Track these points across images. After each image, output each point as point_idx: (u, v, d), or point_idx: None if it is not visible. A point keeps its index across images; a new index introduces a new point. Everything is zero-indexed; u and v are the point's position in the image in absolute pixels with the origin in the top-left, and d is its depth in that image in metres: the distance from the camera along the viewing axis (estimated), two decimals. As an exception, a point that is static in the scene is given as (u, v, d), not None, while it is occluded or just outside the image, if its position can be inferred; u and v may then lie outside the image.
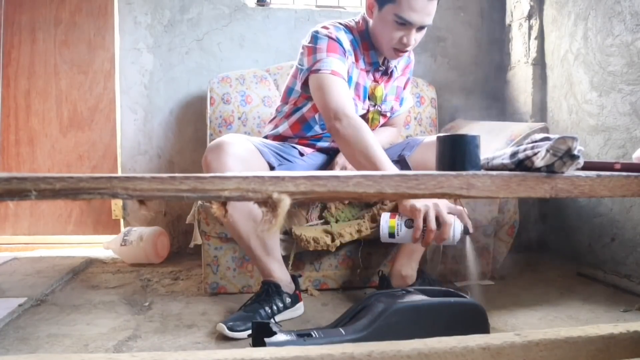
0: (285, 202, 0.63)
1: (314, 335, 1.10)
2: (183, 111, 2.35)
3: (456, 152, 0.77)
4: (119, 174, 0.93)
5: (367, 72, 1.56)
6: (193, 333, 1.34)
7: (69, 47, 2.47)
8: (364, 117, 1.58)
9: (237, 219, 1.40)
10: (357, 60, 1.53)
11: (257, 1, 2.39)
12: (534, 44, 2.28)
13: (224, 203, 0.70)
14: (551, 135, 0.74)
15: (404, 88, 1.71)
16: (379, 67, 1.56)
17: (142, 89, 2.33)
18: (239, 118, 2.13)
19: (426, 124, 2.30)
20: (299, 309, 1.50)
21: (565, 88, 2.11)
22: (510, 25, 2.45)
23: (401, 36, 1.42)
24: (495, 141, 1.83)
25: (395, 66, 1.62)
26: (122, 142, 2.35)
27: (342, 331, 1.13)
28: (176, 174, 0.62)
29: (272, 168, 1.48)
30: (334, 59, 1.42)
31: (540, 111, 2.28)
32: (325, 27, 1.49)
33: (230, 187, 0.63)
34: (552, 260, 2.10)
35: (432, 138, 1.56)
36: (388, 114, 1.66)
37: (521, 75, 2.36)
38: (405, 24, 1.39)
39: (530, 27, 2.30)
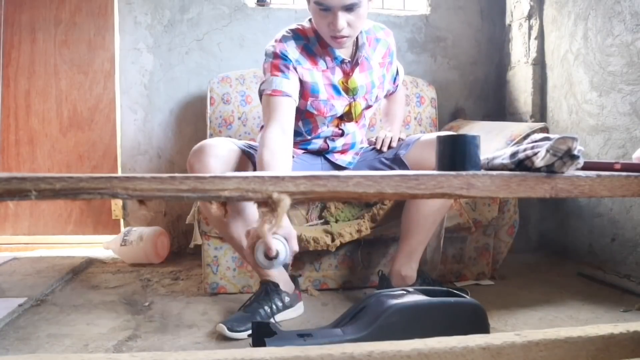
0: (285, 202, 0.63)
1: (313, 335, 1.10)
2: (183, 111, 2.35)
3: (456, 152, 0.77)
4: (119, 174, 0.93)
5: (332, 69, 1.51)
6: (193, 333, 1.33)
7: (69, 47, 2.47)
8: (348, 112, 1.56)
9: (232, 220, 1.40)
10: (315, 63, 1.49)
11: (257, 1, 2.38)
12: (534, 44, 2.28)
13: (223, 203, 0.70)
14: (551, 135, 0.74)
15: (388, 71, 1.64)
16: (344, 60, 1.51)
17: (142, 89, 2.33)
18: (239, 118, 2.13)
19: (426, 124, 2.30)
20: (299, 308, 1.50)
21: (565, 88, 2.11)
22: (510, 25, 2.45)
23: (329, 22, 1.39)
24: (495, 141, 1.83)
25: (366, 56, 1.55)
26: (122, 142, 2.35)
27: (342, 331, 1.13)
28: (176, 174, 0.62)
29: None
30: (275, 77, 1.43)
31: (540, 111, 2.28)
32: (275, 40, 1.48)
33: (230, 187, 0.63)
34: (552, 260, 2.10)
35: (429, 136, 1.53)
36: (373, 104, 1.62)
37: (521, 75, 2.36)
38: (326, 9, 1.37)
39: (530, 27, 2.30)
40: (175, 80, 2.34)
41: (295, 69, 1.45)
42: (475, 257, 1.82)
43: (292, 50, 1.46)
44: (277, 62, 1.44)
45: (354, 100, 1.55)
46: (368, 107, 1.61)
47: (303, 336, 1.10)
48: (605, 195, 0.74)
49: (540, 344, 0.87)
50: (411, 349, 0.83)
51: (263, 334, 1.09)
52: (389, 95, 1.77)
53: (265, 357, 0.80)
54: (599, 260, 1.92)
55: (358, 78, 1.54)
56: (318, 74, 1.50)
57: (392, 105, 1.80)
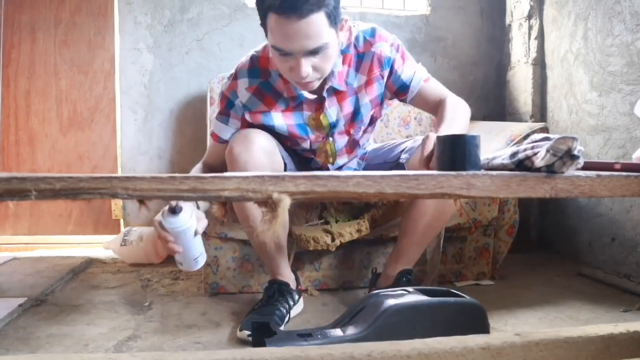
0: (285, 202, 0.63)
1: (313, 335, 1.10)
2: (183, 111, 2.35)
3: (456, 152, 0.77)
4: (119, 174, 0.93)
5: (297, 107, 1.36)
6: (193, 333, 1.33)
7: (69, 47, 2.47)
8: (321, 149, 1.45)
9: (256, 216, 1.35)
10: (271, 104, 1.35)
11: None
12: (534, 44, 2.28)
13: (223, 203, 0.70)
14: (551, 135, 0.74)
15: (389, 80, 1.38)
16: (307, 99, 1.34)
17: (142, 89, 2.33)
18: (239, 118, 2.12)
19: (426, 124, 2.30)
20: (301, 304, 1.50)
21: (565, 88, 2.11)
22: (510, 25, 2.45)
23: (290, 67, 1.19)
24: (495, 141, 1.83)
25: (337, 86, 1.33)
26: (122, 142, 2.35)
27: (342, 331, 1.13)
28: (176, 174, 0.62)
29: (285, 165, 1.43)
30: (217, 121, 1.41)
31: (540, 111, 2.28)
32: (235, 69, 1.37)
33: (230, 187, 0.62)
34: (552, 260, 2.10)
35: None
36: (369, 127, 1.47)
37: (521, 75, 2.36)
38: (287, 54, 1.17)
39: (530, 27, 2.30)
40: (175, 80, 2.34)
41: (242, 114, 1.37)
42: (475, 257, 1.82)
43: (242, 93, 1.35)
44: (223, 103, 1.38)
45: (327, 139, 1.41)
46: (364, 132, 1.47)
47: (303, 336, 1.10)
48: (605, 195, 0.74)
49: (540, 344, 0.87)
50: (411, 349, 0.83)
51: (263, 334, 1.09)
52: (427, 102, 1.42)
53: (266, 357, 0.80)
54: (599, 260, 1.92)
55: (331, 112, 1.38)
56: (277, 115, 1.36)
57: (443, 112, 1.34)
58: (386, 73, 1.37)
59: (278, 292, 1.42)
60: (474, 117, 2.46)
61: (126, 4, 2.31)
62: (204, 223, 1.17)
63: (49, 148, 2.48)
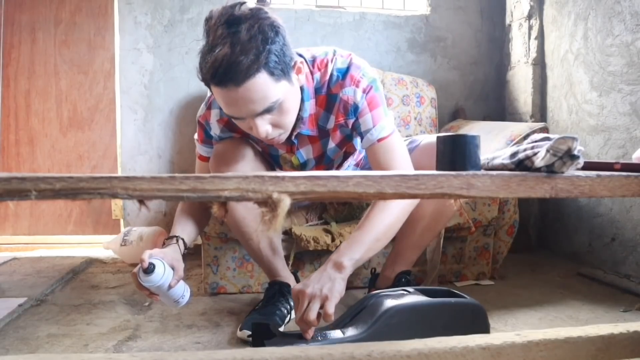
0: (285, 202, 0.63)
1: (313, 336, 1.10)
2: (183, 111, 2.35)
3: (456, 152, 0.77)
4: (119, 174, 0.93)
5: (267, 144, 1.34)
6: (193, 333, 1.33)
7: (69, 47, 2.47)
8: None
9: (249, 220, 1.36)
10: (244, 135, 1.33)
11: (257, 1, 2.38)
12: (534, 44, 2.28)
13: (223, 203, 0.69)
14: (551, 135, 0.74)
15: (354, 128, 1.28)
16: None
17: (142, 89, 2.33)
18: (239, 118, 2.12)
19: (426, 124, 2.30)
20: (301, 305, 1.50)
21: (565, 88, 2.11)
22: (510, 25, 2.45)
23: (249, 127, 1.14)
24: (495, 141, 1.83)
25: (308, 131, 1.27)
26: (122, 142, 2.35)
27: (342, 331, 1.13)
28: (176, 174, 0.62)
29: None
30: (200, 145, 1.40)
31: (540, 111, 2.29)
32: (208, 98, 1.34)
33: (230, 187, 0.62)
34: (552, 260, 2.10)
35: (428, 142, 1.37)
36: (350, 157, 1.43)
37: (521, 75, 2.36)
38: (240, 118, 1.13)
39: (530, 27, 2.30)
40: (175, 80, 2.34)
41: (214, 139, 1.37)
42: (475, 257, 1.82)
43: (213, 125, 1.33)
44: (200, 132, 1.38)
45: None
46: (340, 165, 1.43)
47: (303, 337, 1.09)
48: (605, 195, 0.74)
49: (540, 344, 0.87)
50: (411, 349, 0.83)
51: (263, 334, 1.09)
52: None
53: (266, 357, 0.80)
54: (599, 260, 1.92)
55: (303, 152, 1.35)
56: (250, 143, 1.36)
57: (371, 214, 1.24)
58: (351, 122, 1.27)
59: (279, 292, 1.42)
60: (474, 117, 2.47)
61: (126, 4, 2.31)
62: (180, 272, 1.22)
63: (49, 148, 2.48)
